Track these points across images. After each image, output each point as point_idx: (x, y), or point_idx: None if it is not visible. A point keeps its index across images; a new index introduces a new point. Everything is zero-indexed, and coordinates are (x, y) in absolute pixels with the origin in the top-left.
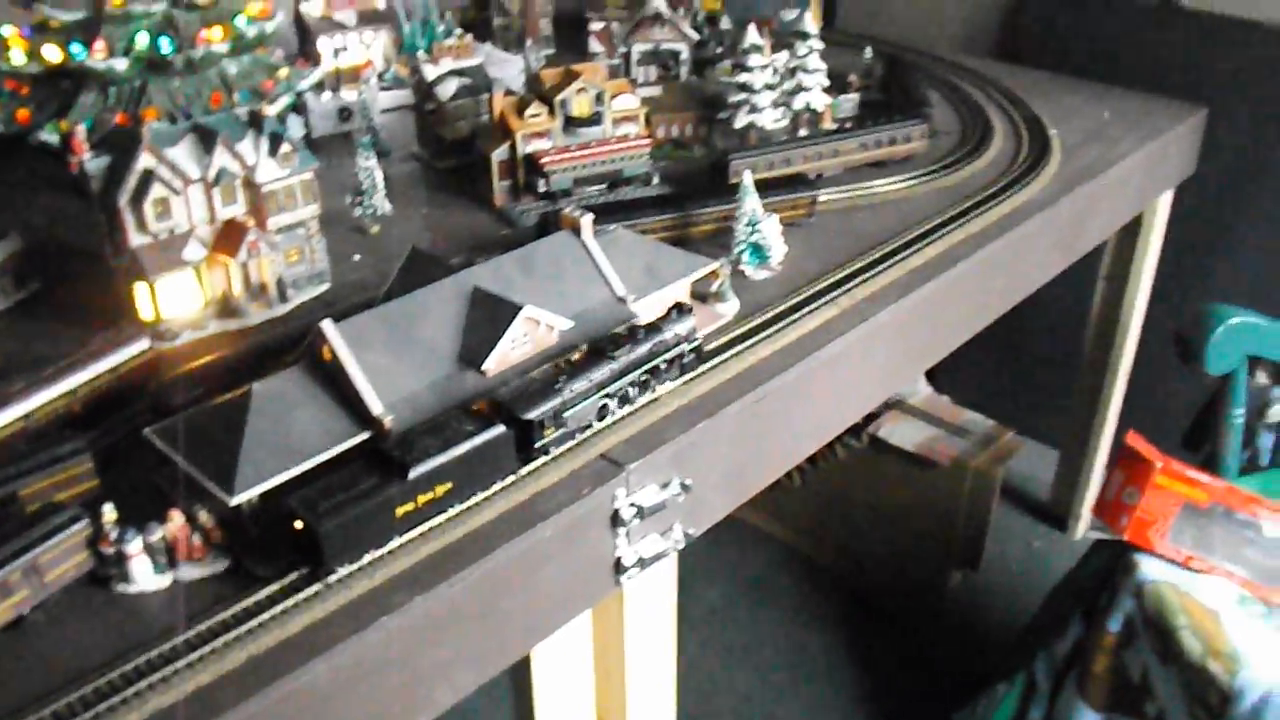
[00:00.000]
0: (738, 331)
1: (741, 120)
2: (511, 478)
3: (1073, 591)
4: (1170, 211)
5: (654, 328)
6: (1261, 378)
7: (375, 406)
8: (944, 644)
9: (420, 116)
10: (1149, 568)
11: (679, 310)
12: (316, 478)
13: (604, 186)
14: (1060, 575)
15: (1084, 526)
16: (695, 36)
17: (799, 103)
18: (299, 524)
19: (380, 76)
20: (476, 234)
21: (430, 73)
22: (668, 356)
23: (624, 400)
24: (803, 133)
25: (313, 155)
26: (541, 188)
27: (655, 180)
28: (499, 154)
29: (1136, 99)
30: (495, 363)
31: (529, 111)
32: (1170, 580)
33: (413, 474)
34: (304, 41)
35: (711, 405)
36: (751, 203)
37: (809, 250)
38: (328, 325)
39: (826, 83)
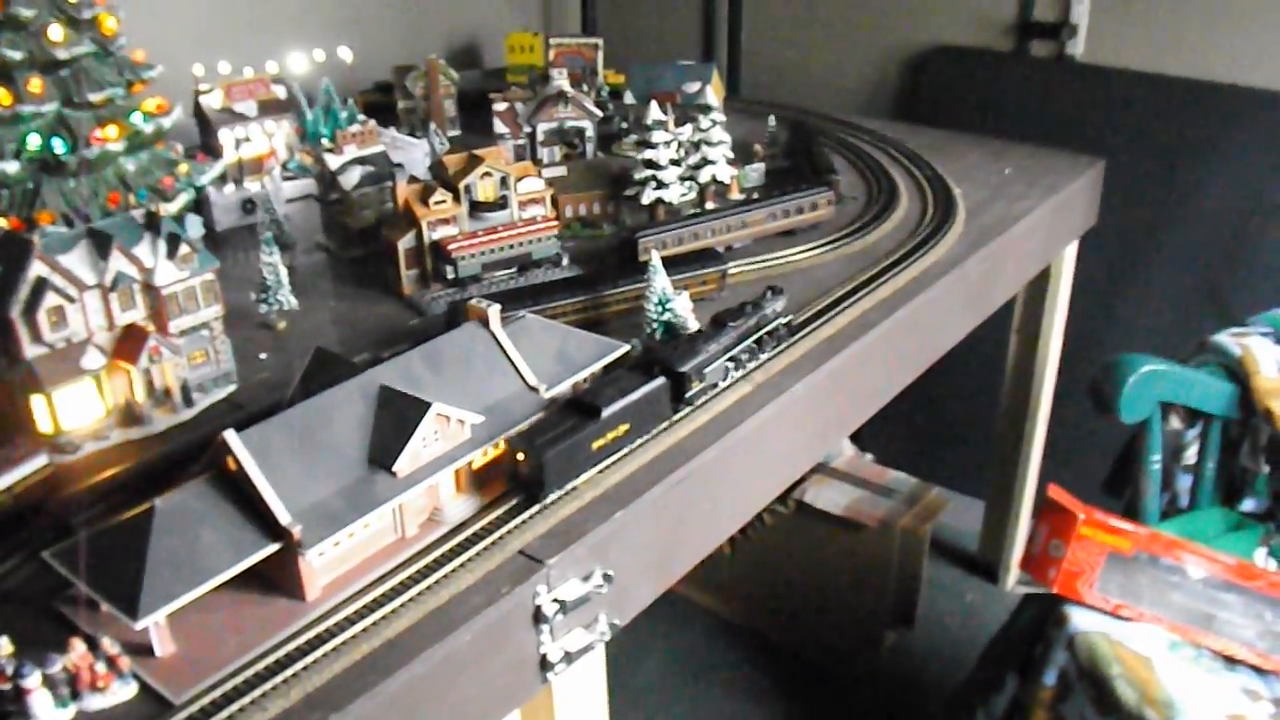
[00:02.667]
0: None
1: (649, 196)
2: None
3: (1006, 647)
4: (1076, 263)
5: (757, 305)
6: (1175, 422)
7: (283, 517)
8: (884, 705)
9: (325, 206)
10: (1080, 619)
11: (772, 291)
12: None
13: (513, 270)
14: (995, 627)
15: (1014, 578)
16: (599, 113)
17: (705, 175)
18: (521, 456)
19: (284, 166)
20: (386, 325)
21: (333, 162)
22: (769, 329)
23: (739, 364)
24: (710, 205)
25: (212, 255)
26: (450, 275)
27: (565, 261)
28: (405, 242)
29: (1036, 154)
30: (406, 463)
31: (434, 199)
32: (1101, 630)
33: (605, 413)
34: (205, 133)
35: (629, 493)
36: (660, 281)
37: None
38: (231, 436)
39: (731, 154)
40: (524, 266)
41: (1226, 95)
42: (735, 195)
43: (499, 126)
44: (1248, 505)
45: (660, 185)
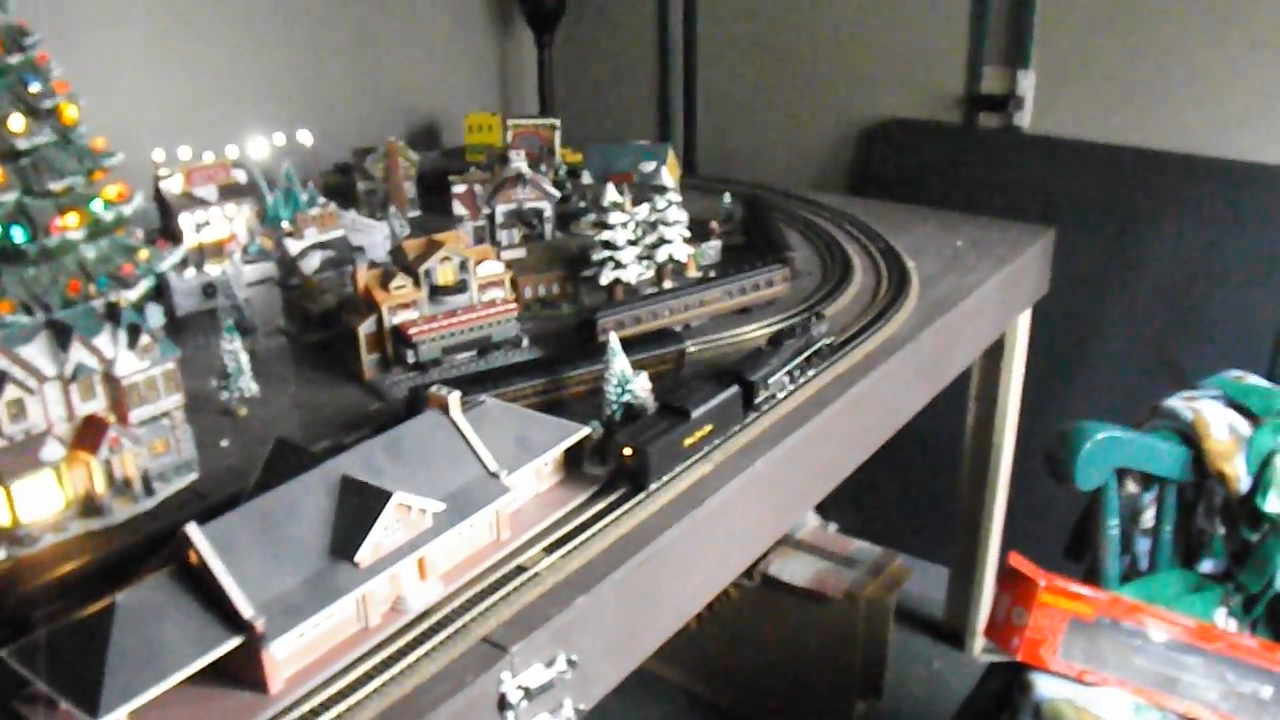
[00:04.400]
0: (614, 496)
1: (607, 277)
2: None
3: (974, 717)
4: (1030, 331)
5: (805, 327)
6: (1131, 486)
7: (246, 610)
8: None
9: (286, 291)
10: (1044, 686)
11: (817, 317)
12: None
13: (474, 353)
14: (963, 693)
15: (981, 644)
16: (557, 194)
17: (662, 254)
18: (629, 451)
19: (244, 250)
20: (347, 410)
21: (294, 246)
22: (816, 347)
23: (793, 377)
24: (668, 284)
25: (173, 344)
26: (410, 359)
27: (525, 343)
28: (366, 327)
29: (988, 225)
30: (369, 553)
31: (393, 283)
32: (1066, 696)
33: (694, 414)
34: (165, 218)
35: (591, 577)
36: (619, 363)
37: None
38: (193, 529)
39: (688, 233)
40: (484, 349)
41: (1171, 163)
42: (692, 273)
43: (458, 208)
44: (1206, 566)
45: (618, 265)
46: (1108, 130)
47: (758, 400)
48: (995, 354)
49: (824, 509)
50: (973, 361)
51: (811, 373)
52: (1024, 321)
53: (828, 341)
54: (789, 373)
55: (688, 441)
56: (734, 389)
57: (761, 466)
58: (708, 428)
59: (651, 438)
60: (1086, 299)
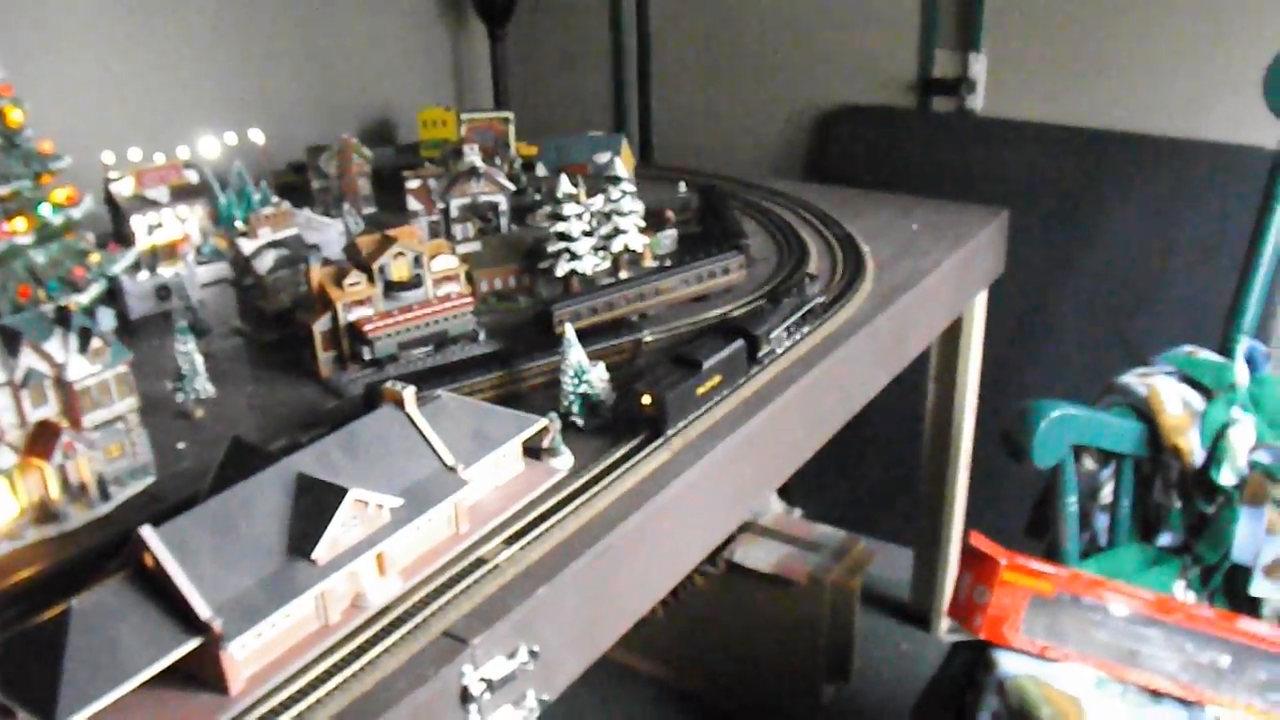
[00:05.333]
0: (573, 486)
1: (562, 268)
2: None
3: (938, 696)
4: (987, 312)
5: (800, 288)
6: (1089, 463)
7: (203, 611)
8: None
9: (240, 291)
10: (1007, 663)
11: (810, 278)
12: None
13: (430, 348)
14: (930, 673)
15: (946, 625)
16: (512, 187)
17: (618, 245)
18: (647, 398)
19: (198, 251)
20: (304, 408)
21: (247, 247)
22: (809, 307)
23: (790, 333)
24: (624, 274)
25: (125, 348)
26: (367, 355)
27: (481, 336)
28: (321, 325)
29: (942, 208)
30: (326, 550)
31: (348, 280)
32: (1029, 673)
33: (705, 365)
34: (117, 221)
35: (552, 567)
36: (575, 355)
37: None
38: (148, 532)
39: (643, 223)
40: (441, 344)
41: (1121, 143)
42: (648, 263)
43: (413, 204)
44: (1164, 540)
45: (573, 257)
46: (1059, 111)
47: (760, 354)
48: (953, 335)
49: (787, 494)
50: (930, 343)
51: (806, 329)
52: (980, 303)
53: (820, 300)
54: (786, 329)
55: (700, 390)
56: (739, 343)
57: (721, 451)
58: (717, 378)
59: (668, 386)
60: (1041, 279)
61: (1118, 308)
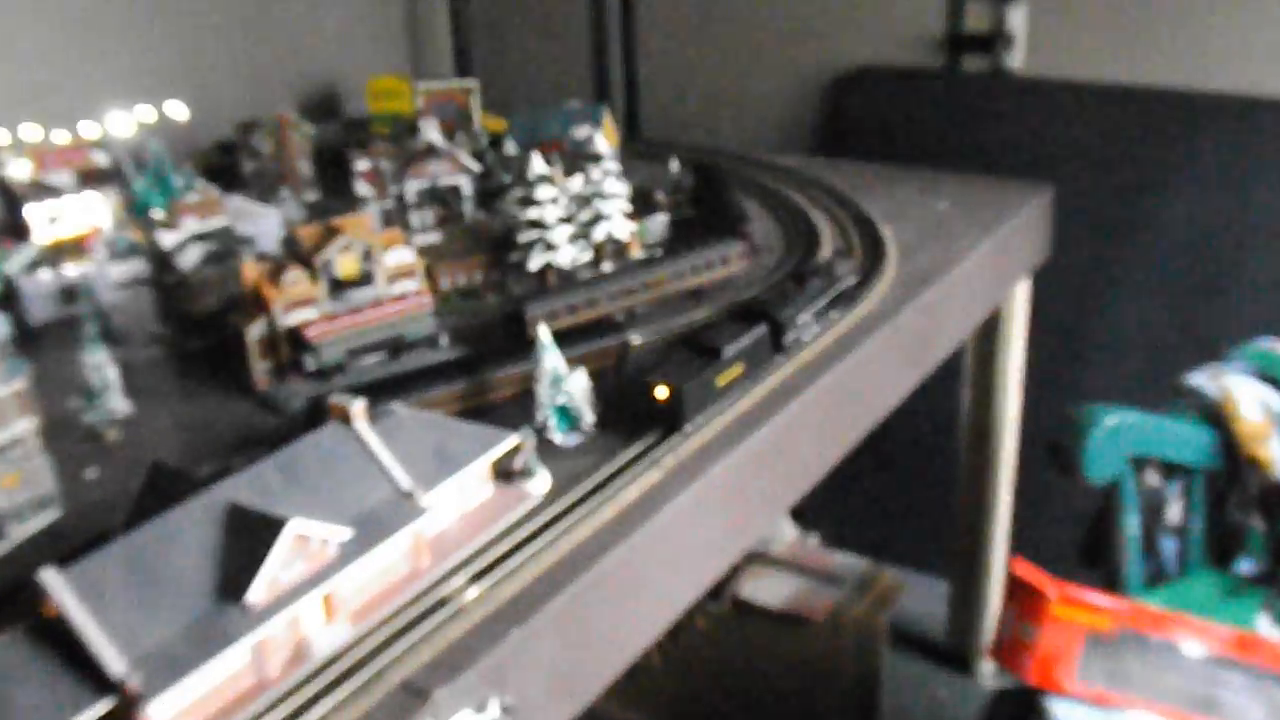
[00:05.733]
0: (551, 512)
1: (536, 261)
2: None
3: None
4: (1030, 304)
5: (830, 266)
6: (1152, 478)
7: (117, 666)
8: None
9: (161, 291)
10: (1061, 712)
11: (839, 255)
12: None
13: (384, 355)
14: None
15: (989, 667)
16: (477, 167)
17: (600, 233)
18: (663, 390)
19: (110, 246)
20: (236, 427)
21: (168, 239)
22: (840, 289)
23: (818, 318)
24: (608, 267)
25: (20, 360)
26: (310, 365)
27: (443, 341)
28: (256, 330)
29: (975, 184)
30: (262, 592)
31: (287, 278)
32: None
33: (725, 353)
34: (11, 211)
35: (526, 606)
36: (552, 359)
37: (625, 403)
38: (50, 576)
39: (628, 207)
40: (396, 350)
41: (1187, 103)
42: (636, 253)
43: (362, 188)
44: (1244, 567)
45: (549, 247)
46: (1114, 68)
47: (785, 341)
48: (990, 332)
49: (802, 518)
50: (963, 342)
51: (836, 314)
52: (1022, 294)
53: (852, 282)
54: (814, 313)
55: (720, 381)
56: (762, 328)
57: (720, 471)
58: (738, 368)
59: (686, 375)
60: (1094, 264)
61: (1185, 296)
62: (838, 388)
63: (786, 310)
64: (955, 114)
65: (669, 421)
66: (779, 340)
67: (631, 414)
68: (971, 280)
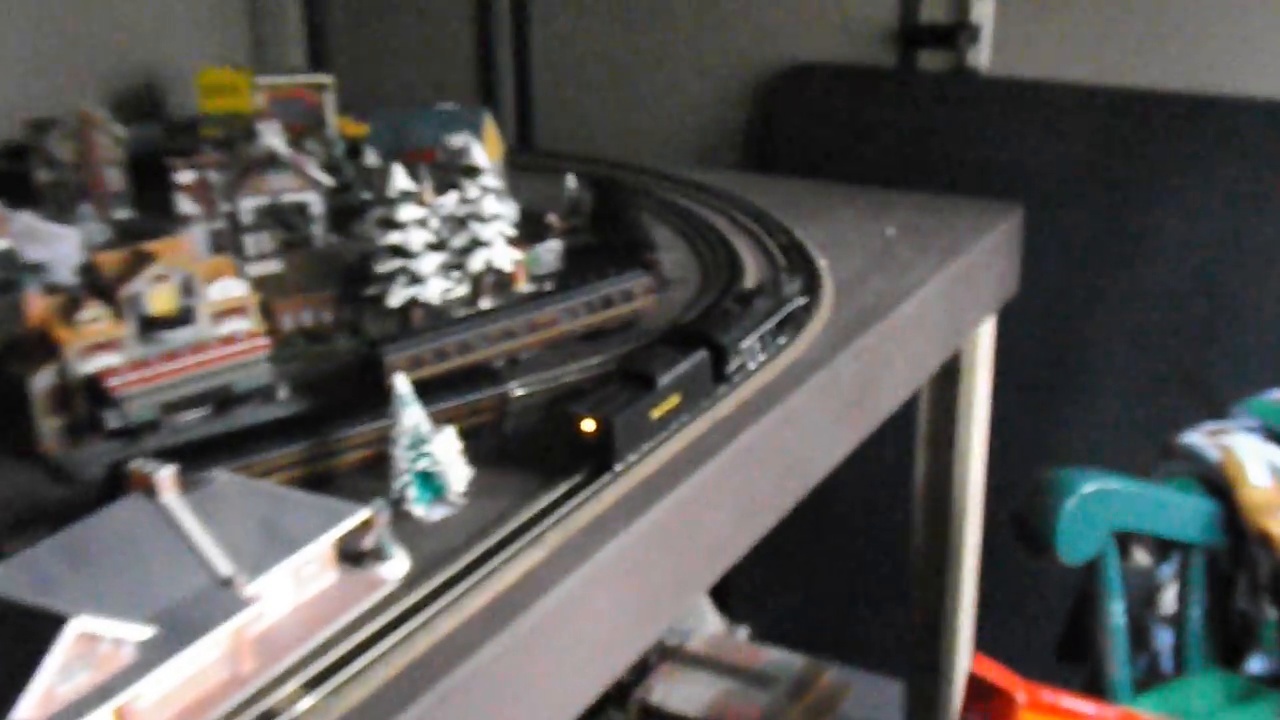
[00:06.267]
0: (409, 601)
1: (399, 296)
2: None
3: None
4: (996, 347)
5: (776, 285)
6: (1140, 556)
7: None
8: None
9: None
10: None
11: (788, 273)
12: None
13: (206, 411)
14: None
15: None
16: (329, 181)
17: (477, 262)
18: (590, 424)
19: None
20: (15, 500)
21: None
22: (788, 310)
23: (764, 347)
24: (487, 303)
25: None
26: (112, 423)
27: (282, 393)
28: (43, 380)
29: (931, 205)
30: (37, 707)
31: (83, 315)
32: None
33: (660, 382)
34: None
35: (375, 719)
36: (413, 415)
37: (503, 471)
38: None
39: (513, 231)
40: (222, 404)
41: (1185, 107)
42: (522, 286)
43: (185, 205)
44: (1255, 665)
45: (414, 280)
46: (1096, 67)
47: (729, 369)
48: (948, 382)
49: (726, 605)
50: (917, 390)
51: (782, 340)
52: (985, 336)
53: (800, 303)
54: (760, 338)
55: (655, 413)
56: (701, 354)
57: (615, 550)
58: (675, 398)
59: (616, 408)
60: (1073, 299)
61: (1179, 337)
62: (760, 448)
63: (730, 334)
64: (909, 121)
65: (598, 459)
66: (721, 368)
67: (526, 465)
68: (924, 320)
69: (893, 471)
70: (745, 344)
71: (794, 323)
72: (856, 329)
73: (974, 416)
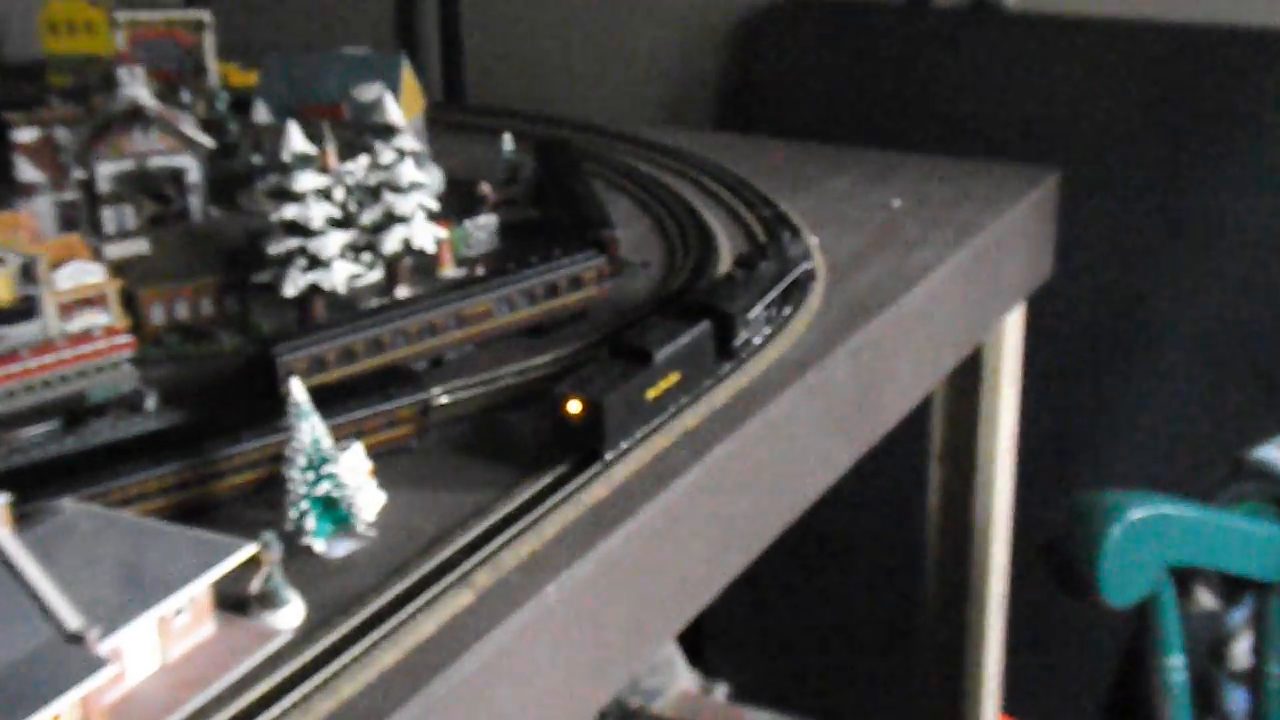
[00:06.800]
0: (305, 658)
1: (296, 283)
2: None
3: None
4: (1026, 342)
5: (778, 247)
6: (1205, 598)
7: None
8: None
9: None
10: None
11: (792, 233)
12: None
13: (54, 425)
14: None
15: None
16: (208, 142)
17: (393, 242)
18: (576, 405)
19: None
20: None
21: None
22: (794, 275)
23: (770, 316)
24: (404, 291)
25: None
26: None
27: (150, 403)
28: None
29: (944, 168)
30: None
31: None
32: None
33: (657, 357)
34: None
35: None
36: (312, 429)
37: (423, 495)
38: None
39: (435, 204)
40: (75, 416)
41: (1256, 46)
42: (448, 271)
43: (26, 171)
44: None
45: (314, 263)
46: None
47: (736, 342)
48: (967, 384)
49: (700, 657)
50: (929, 396)
51: (789, 310)
52: (1013, 330)
53: (808, 266)
54: (767, 308)
55: (650, 394)
56: (704, 325)
57: (556, 592)
58: (674, 376)
59: (606, 387)
60: (1120, 285)
61: (1249, 329)
62: (737, 465)
63: (737, 302)
64: (917, 68)
65: (587, 445)
66: (726, 342)
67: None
68: (937, 310)
69: (900, 494)
70: (753, 314)
71: (800, 291)
72: (854, 321)
73: (998, 426)
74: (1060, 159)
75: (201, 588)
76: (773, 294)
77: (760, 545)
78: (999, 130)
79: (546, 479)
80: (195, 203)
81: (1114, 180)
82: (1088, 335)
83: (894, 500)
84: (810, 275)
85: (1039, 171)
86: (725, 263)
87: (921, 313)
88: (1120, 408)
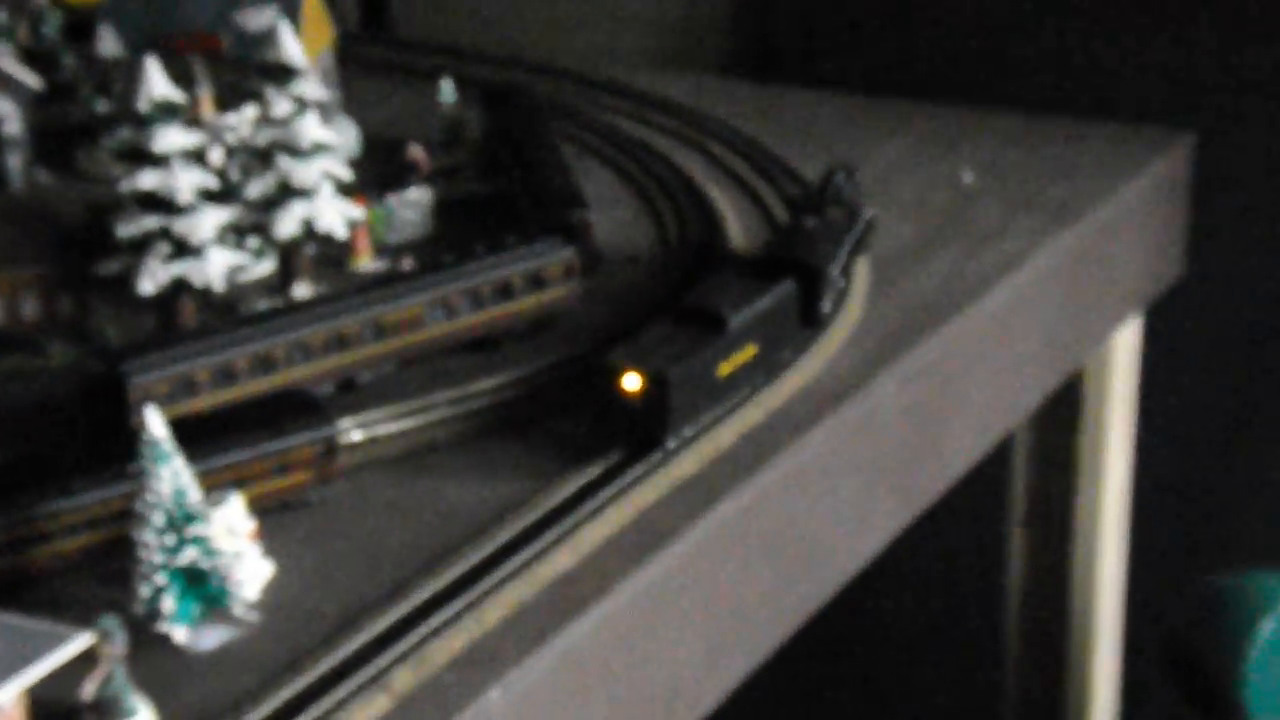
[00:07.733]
0: None
1: (156, 277)
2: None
3: None
4: (1142, 367)
5: (837, 189)
6: None
7: None
8: None
9: None
10: None
11: (846, 174)
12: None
13: None
14: None
15: None
16: (35, 83)
17: (289, 223)
18: (634, 380)
19: None
20: None
21: None
22: (862, 224)
23: (844, 272)
24: (304, 290)
25: None
26: None
27: None
28: None
29: (1032, 132)
30: None
31: None
32: None
33: (731, 323)
34: None
35: None
36: (171, 476)
37: (326, 566)
38: None
39: (348, 172)
40: None
41: None
42: (364, 263)
43: None
44: None
45: (182, 250)
46: None
47: (823, 307)
48: (1061, 424)
49: None
50: (1008, 438)
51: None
52: (1126, 348)
53: (871, 214)
54: (841, 267)
55: (723, 368)
56: (788, 286)
57: (500, 699)
58: (750, 349)
59: (671, 359)
60: (1272, 289)
61: None
62: (748, 530)
63: (824, 257)
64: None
65: (644, 431)
66: (813, 305)
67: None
68: (1020, 323)
69: (971, 569)
70: (835, 271)
71: (865, 243)
72: (906, 337)
73: (1104, 480)
74: (1193, 117)
75: (9, 696)
76: (846, 246)
77: (781, 635)
78: (1105, 79)
79: (489, 547)
80: (14, 164)
81: (1266, 149)
82: (1226, 358)
83: (962, 577)
84: (871, 225)
85: (1165, 134)
86: (735, 249)
87: (999, 327)
88: (1265, 456)
